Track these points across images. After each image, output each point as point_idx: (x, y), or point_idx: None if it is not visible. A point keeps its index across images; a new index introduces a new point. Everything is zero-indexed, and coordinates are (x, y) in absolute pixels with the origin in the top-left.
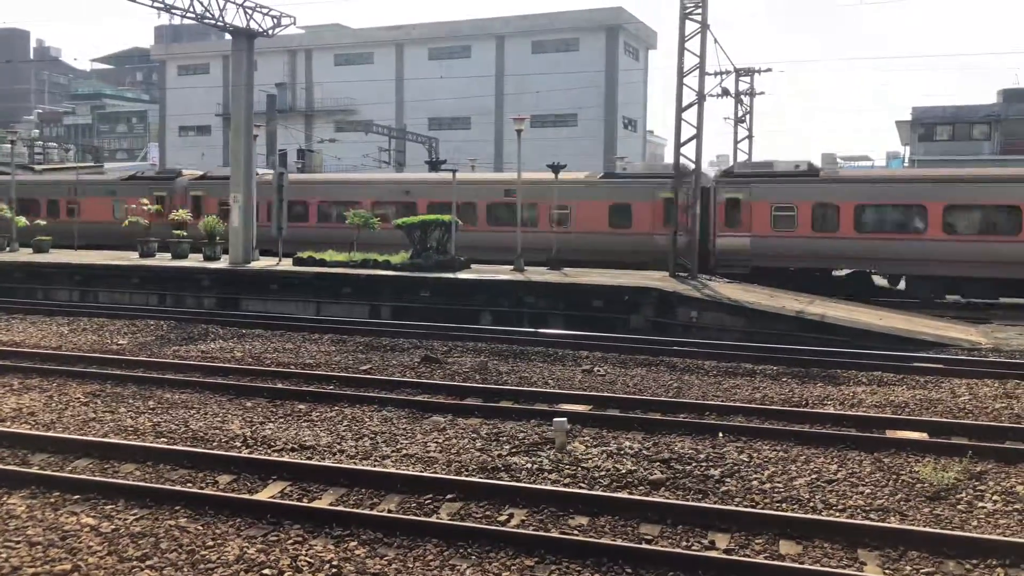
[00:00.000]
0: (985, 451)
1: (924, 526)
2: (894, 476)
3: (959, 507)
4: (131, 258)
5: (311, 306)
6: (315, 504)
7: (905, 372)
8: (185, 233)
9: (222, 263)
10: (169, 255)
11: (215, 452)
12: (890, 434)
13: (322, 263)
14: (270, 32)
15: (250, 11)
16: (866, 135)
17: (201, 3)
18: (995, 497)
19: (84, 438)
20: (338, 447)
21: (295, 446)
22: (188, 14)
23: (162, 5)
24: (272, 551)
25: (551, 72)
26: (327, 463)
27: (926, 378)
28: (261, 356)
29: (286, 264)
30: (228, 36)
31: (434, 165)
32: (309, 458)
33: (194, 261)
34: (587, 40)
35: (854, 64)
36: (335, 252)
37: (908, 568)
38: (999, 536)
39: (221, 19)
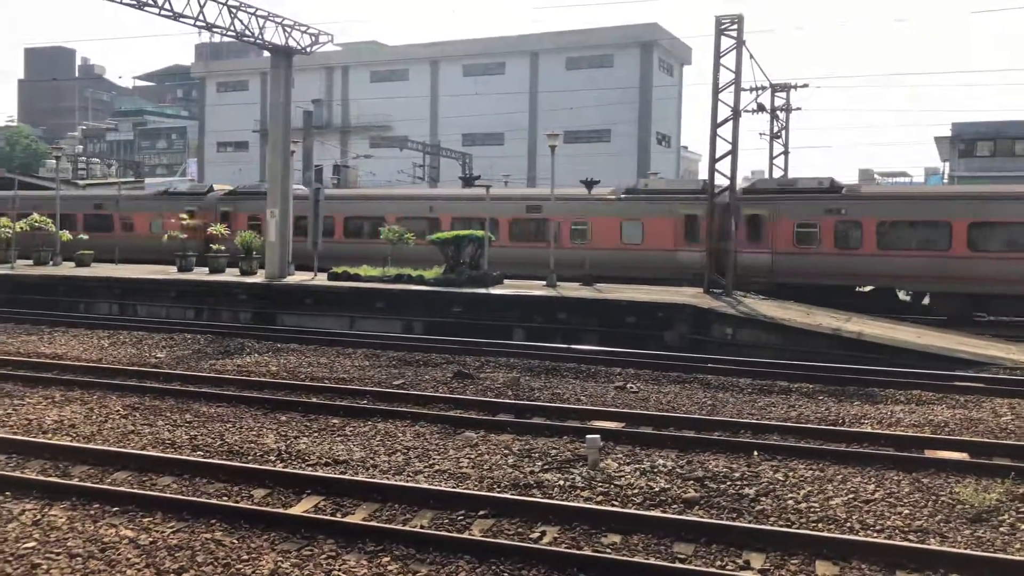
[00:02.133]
0: None
1: (965, 548)
2: (933, 497)
3: (1001, 529)
4: (169, 272)
5: (345, 320)
6: (348, 519)
7: (945, 391)
8: (223, 248)
9: (258, 278)
10: (207, 269)
11: (250, 466)
12: (929, 454)
13: (357, 278)
14: (308, 50)
15: (289, 29)
16: (904, 151)
17: (241, 21)
18: None
19: (123, 450)
20: (371, 462)
21: (329, 460)
22: (228, 32)
23: (204, 24)
24: (306, 566)
25: (585, 89)
26: (360, 478)
27: (966, 397)
28: (296, 370)
29: (321, 279)
30: (267, 53)
31: (468, 181)
32: (342, 473)
33: (231, 276)
34: (621, 56)
35: (894, 79)
36: (369, 267)
37: None
38: None
39: (260, 37)
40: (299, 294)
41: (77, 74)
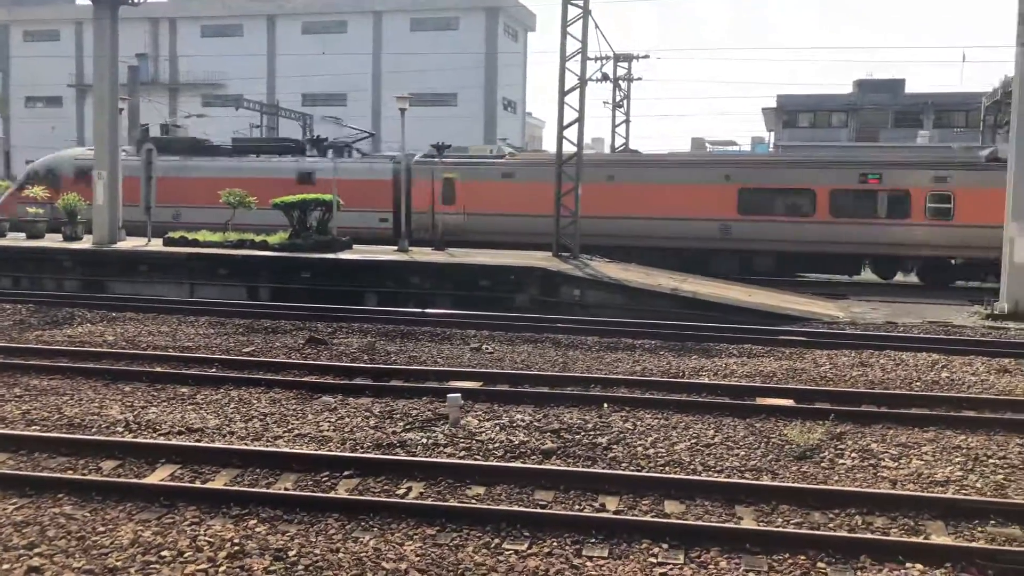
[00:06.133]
0: (844, 414)
1: (792, 483)
2: (765, 439)
3: (822, 465)
4: None
5: (185, 288)
6: (209, 485)
7: (772, 344)
8: (41, 211)
9: (85, 243)
10: (24, 235)
11: (96, 438)
12: (760, 401)
13: (195, 243)
14: (136, 0)
15: None
16: (737, 121)
17: None
18: (853, 455)
19: None
20: (227, 429)
21: (182, 429)
22: None
23: None
24: (168, 533)
25: (431, 52)
26: (218, 444)
27: (791, 350)
28: (135, 339)
29: (156, 245)
30: (88, 1)
31: (314, 142)
32: (198, 440)
33: (52, 241)
34: (467, 20)
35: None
36: (208, 232)
37: (780, 520)
38: (856, 488)
39: None
40: (132, 261)
41: None
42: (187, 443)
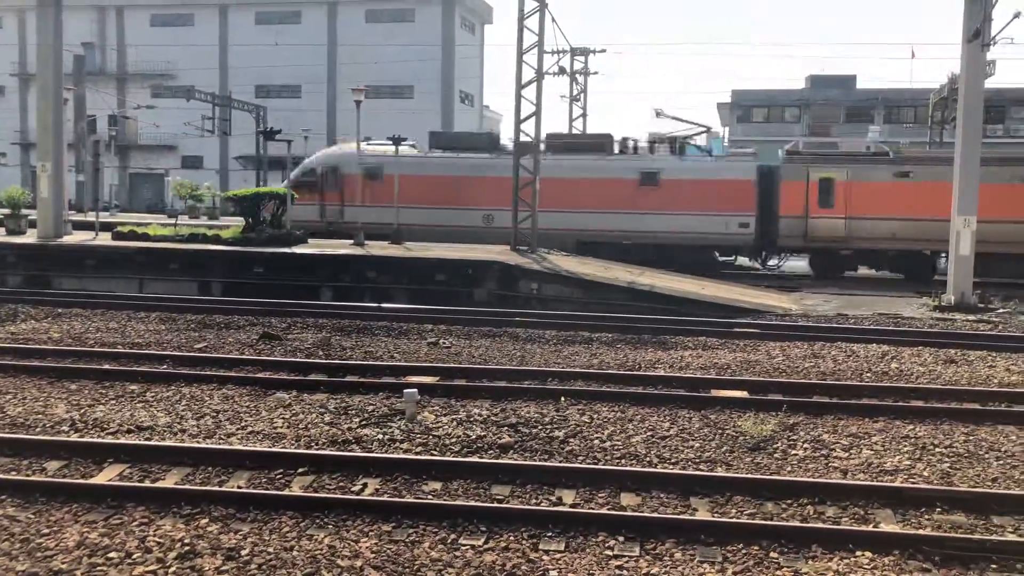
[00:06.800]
0: (797, 405)
1: (746, 473)
2: (719, 431)
3: (775, 455)
4: None
5: (134, 283)
6: (159, 484)
7: (727, 337)
8: None
9: (29, 237)
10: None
11: (40, 438)
12: (715, 393)
13: (145, 237)
14: None
15: None
16: (693, 114)
17: None
18: (805, 445)
19: None
20: (178, 427)
21: (131, 428)
22: None
23: None
24: (116, 534)
25: (387, 43)
26: (168, 443)
27: (745, 342)
28: (82, 336)
29: (105, 238)
30: None
31: (268, 135)
32: (148, 439)
33: None
34: (423, 11)
35: (682, 48)
36: (159, 227)
37: (733, 511)
38: (808, 478)
39: None
40: (79, 255)
41: None
42: (136, 442)
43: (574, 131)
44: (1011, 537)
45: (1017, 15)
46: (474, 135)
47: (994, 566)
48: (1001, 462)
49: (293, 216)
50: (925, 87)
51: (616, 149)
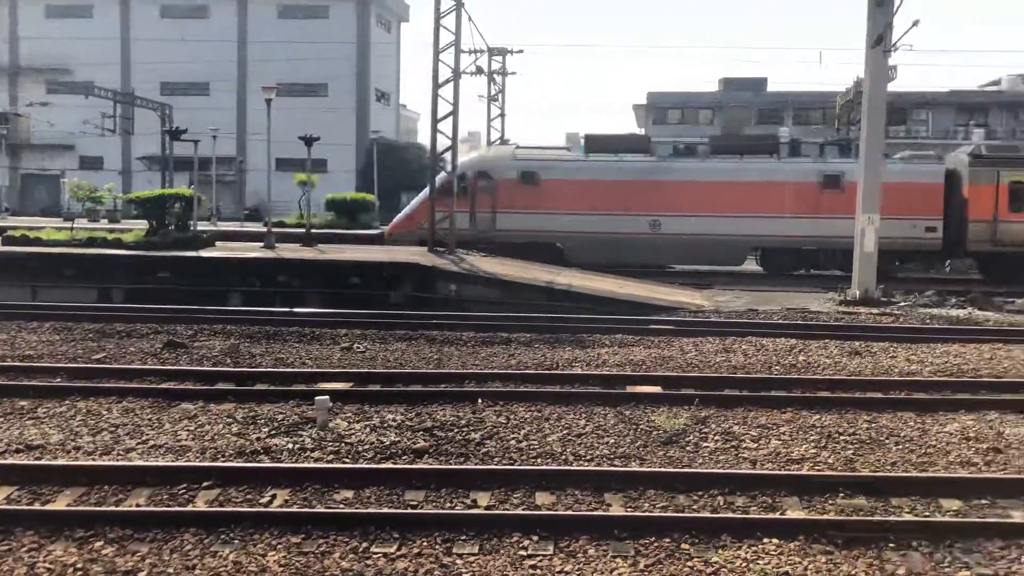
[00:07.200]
0: (708, 399)
1: (659, 467)
2: (634, 426)
3: (688, 448)
4: None
5: (26, 291)
6: (49, 507)
7: (642, 334)
8: None
9: None
10: None
11: None
12: (630, 389)
13: (38, 242)
14: None
15: None
16: (609, 116)
17: None
18: (716, 438)
19: None
20: (72, 444)
21: (20, 447)
22: None
23: None
24: (4, 561)
25: (300, 41)
26: (61, 462)
27: (660, 338)
28: None
29: None
30: None
31: (174, 134)
32: (38, 458)
33: None
34: (337, 8)
35: (597, 49)
36: (53, 230)
37: (647, 505)
38: (719, 470)
39: None
40: None
41: None
42: (25, 462)
43: (493, 131)
44: (907, 517)
45: (916, 23)
46: (628, 137)
47: (892, 544)
48: (900, 447)
49: (440, 225)
50: (832, 90)
51: (785, 152)
